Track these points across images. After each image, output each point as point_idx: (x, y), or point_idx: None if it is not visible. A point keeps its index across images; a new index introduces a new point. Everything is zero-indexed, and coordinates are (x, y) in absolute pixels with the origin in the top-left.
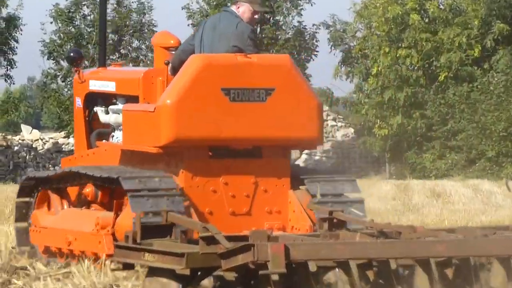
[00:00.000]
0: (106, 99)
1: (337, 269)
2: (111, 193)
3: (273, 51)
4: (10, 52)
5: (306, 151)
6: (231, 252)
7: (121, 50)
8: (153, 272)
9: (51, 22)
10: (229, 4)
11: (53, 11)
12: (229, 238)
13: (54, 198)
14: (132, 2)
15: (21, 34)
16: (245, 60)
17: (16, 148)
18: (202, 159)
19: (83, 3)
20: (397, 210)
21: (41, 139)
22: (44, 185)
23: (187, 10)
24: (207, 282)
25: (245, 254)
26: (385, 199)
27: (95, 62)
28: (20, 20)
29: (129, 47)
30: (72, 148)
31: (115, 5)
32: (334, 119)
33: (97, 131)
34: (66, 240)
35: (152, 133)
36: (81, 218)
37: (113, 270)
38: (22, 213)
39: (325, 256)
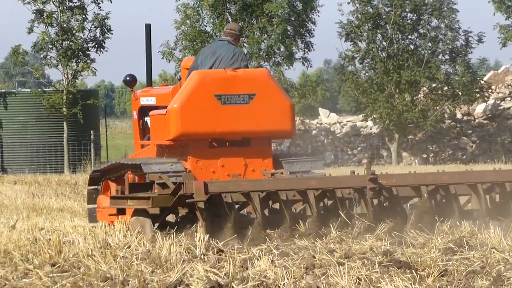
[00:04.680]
0: (152, 111)
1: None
2: (145, 177)
3: None
4: (308, 35)
5: None
6: (174, 190)
7: (419, 30)
8: (135, 214)
9: (349, 3)
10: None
11: None
12: (175, 183)
13: (112, 185)
14: None
15: (318, 16)
16: (232, 73)
17: (314, 132)
18: (204, 148)
19: None
20: None
21: (339, 123)
22: (104, 175)
23: None
24: (171, 218)
25: (181, 190)
26: None
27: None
28: (317, 2)
29: (427, 26)
30: (369, 131)
31: None
32: None
33: (147, 136)
34: None
35: (165, 130)
36: None
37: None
38: (92, 198)
39: (233, 189)
